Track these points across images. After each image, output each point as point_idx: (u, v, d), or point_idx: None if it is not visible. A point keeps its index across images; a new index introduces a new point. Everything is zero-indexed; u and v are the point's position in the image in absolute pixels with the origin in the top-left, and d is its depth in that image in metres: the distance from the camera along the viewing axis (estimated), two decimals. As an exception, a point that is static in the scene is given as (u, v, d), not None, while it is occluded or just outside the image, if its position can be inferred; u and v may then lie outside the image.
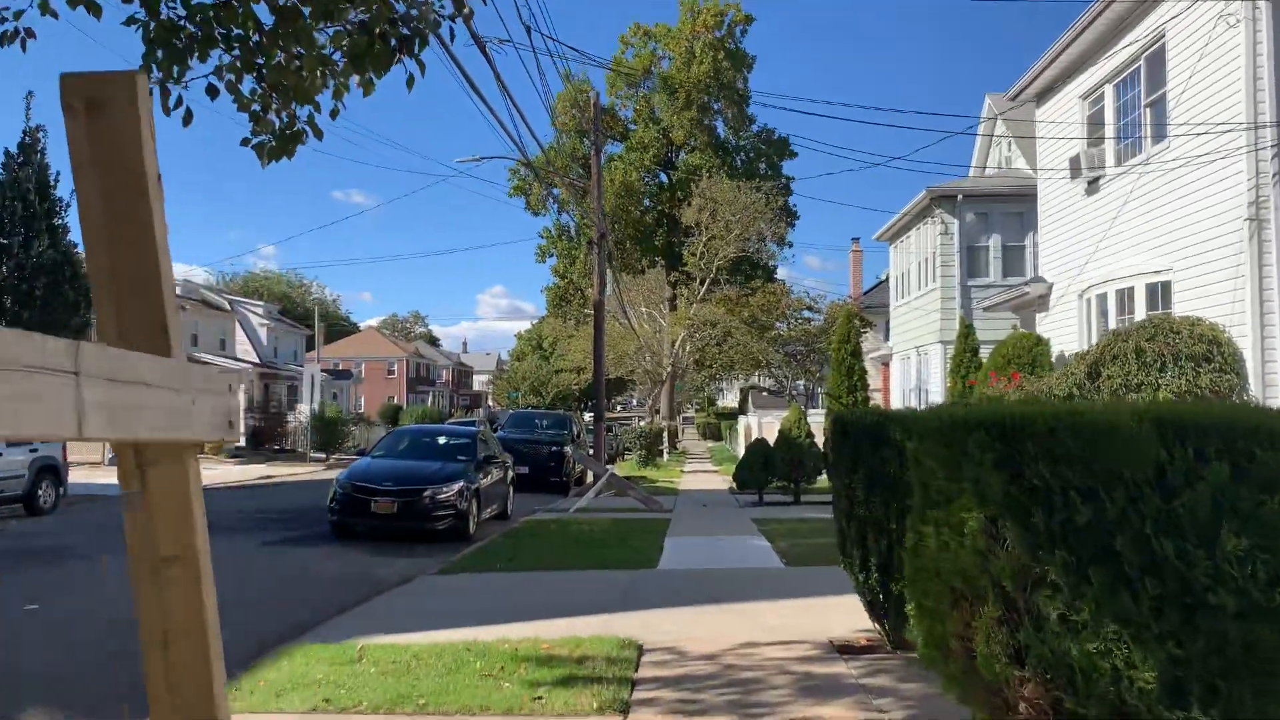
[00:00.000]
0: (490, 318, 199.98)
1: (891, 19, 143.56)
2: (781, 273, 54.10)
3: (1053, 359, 15.21)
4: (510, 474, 17.42)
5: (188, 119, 4.87)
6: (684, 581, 9.79)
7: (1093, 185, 14.57)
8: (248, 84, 4.96)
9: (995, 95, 27.32)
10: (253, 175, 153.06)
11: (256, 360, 55.01)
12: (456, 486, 13.95)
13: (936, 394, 24.15)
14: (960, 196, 23.53)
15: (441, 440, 16.16)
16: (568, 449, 23.92)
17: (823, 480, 19.74)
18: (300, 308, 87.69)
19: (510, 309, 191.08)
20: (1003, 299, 18.24)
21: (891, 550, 6.26)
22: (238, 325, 56.08)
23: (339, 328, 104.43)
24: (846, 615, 7.74)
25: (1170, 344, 10.51)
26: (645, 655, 6.64)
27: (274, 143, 5.02)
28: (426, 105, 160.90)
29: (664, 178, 54.69)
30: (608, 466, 24.08)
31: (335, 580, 10.51)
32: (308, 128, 5.00)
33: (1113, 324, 13.49)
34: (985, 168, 28.30)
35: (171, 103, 4.82)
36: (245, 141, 5.02)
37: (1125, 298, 13.29)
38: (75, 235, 22.32)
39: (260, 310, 60.95)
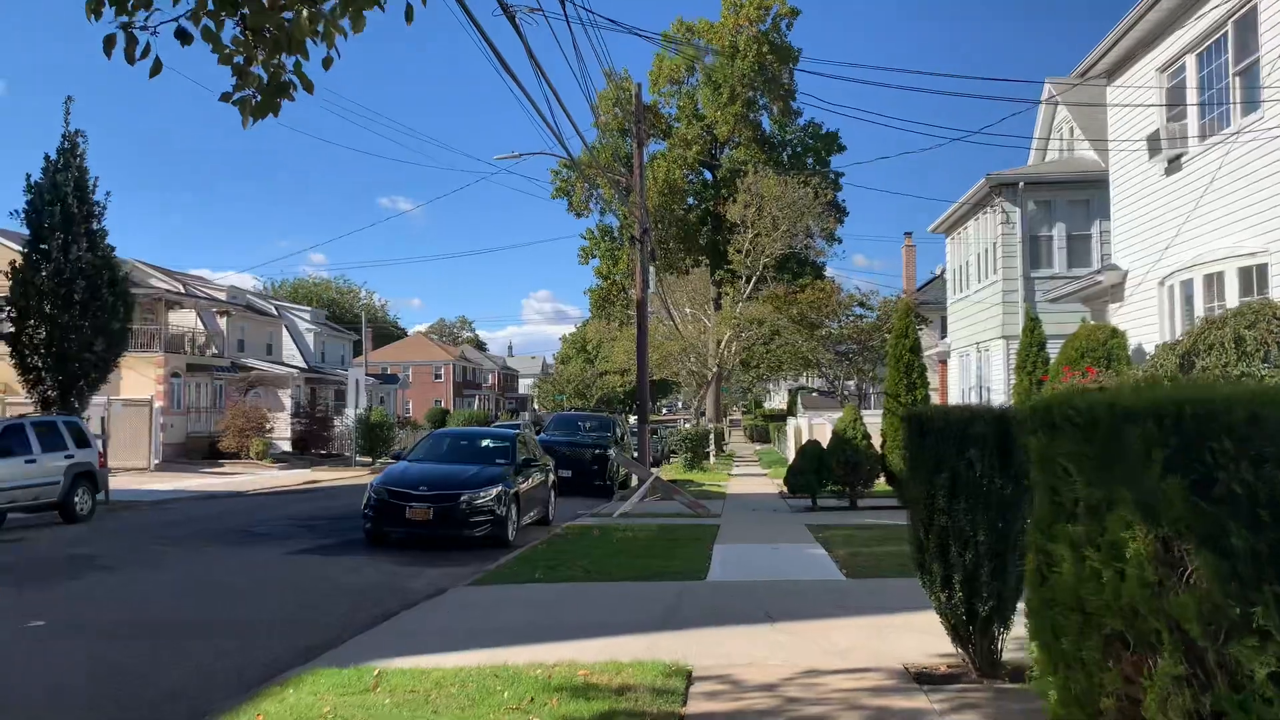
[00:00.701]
0: (536, 322, 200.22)
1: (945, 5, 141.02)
2: (830, 270, 52.88)
3: (1129, 352, 14.13)
4: (552, 478, 16.72)
5: (156, 69, 4.19)
6: (736, 595, 8.97)
7: (1173, 163, 13.48)
8: (228, 31, 4.27)
9: (1056, 79, 26.09)
10: (299, 183, 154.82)
11: (304, 365, 55.11)
12: (494, 491, 13.26)
13: (999, 392, 23.02)
14: (1022, 184, 22.38)
15: (480, 443, 15.50)
16: (611, 451, 23.19)
17: (880, 484, 18.80)
18: (349, 313, 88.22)
19: (555, 313, 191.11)
20: (1071, 290, 17.15)
21: (979, 566, 5.42)
22: (285, 331, 56.25)
23: (386, 333, 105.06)
24: (921, 637, 6.89)
25: (1274, 330, 9.46)
26: (694, 685, 5.84)
27: (259, 98, 4.33)
28: (468, 103, 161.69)
29: (708, 175, 53.84)
30: (652, 469, 23.32)
31: (362, 593, 9.86)
32: (295, 78, 4.30)
33: (1199, 312, 12.41)
34: (1045, 155, 27.03)
35: (138, 52, 4.14)
36: (226, 96, 4.34)
37: (1214, 283, 12.20)
38: (114, 239, 22.10)
39: (307, 316, 61.13)
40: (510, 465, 14.37)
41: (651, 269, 23.24)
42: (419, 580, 10.71)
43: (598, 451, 23.24)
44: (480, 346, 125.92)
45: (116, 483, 27.70)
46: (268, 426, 40.18)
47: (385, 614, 8.50)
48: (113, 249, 22.10)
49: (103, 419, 25.66)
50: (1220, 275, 12.04)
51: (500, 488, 13.38)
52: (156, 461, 35.21)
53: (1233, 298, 11.61)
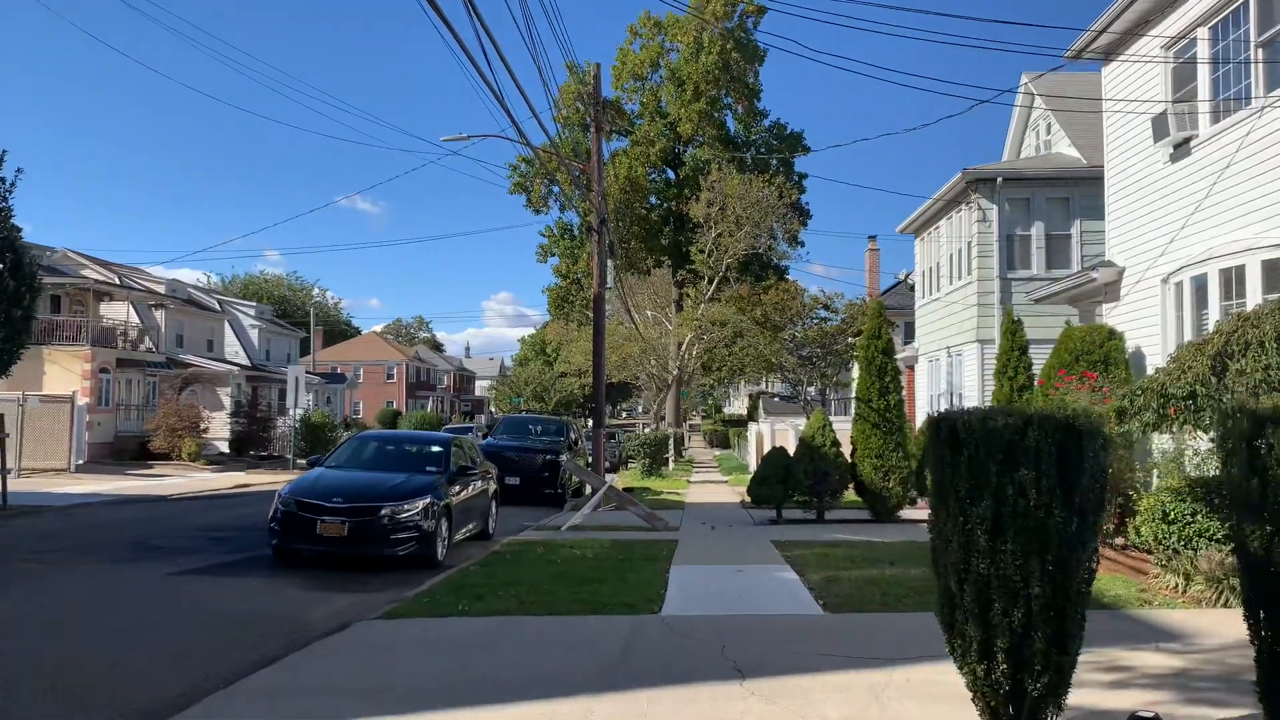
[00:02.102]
0: (496, 324, 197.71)
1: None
2: (793, 274, 51.71)
3: (1127, 355, 12.88)
4: (493, 487, 15.11)
5: None
6: (696, 637, 7.45)
7: (1181, 149, 12.24)
8: None
9: (1033, 74, 25.02)
10: (250, 172, 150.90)
11: (246, 363, 52.82)
12: (421, 504, 11.62)
13: (972, 399, 21.80)
14: (1000, 179, 21.19)
15: (409, 448, 13.82)
16: (564, 457, 21.59)
17: (849, 495, 17.42)
18: (301, 311, 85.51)
19: (516, 316, 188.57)
20: (1059, 289, 15.90)
21: (1030, 629, 3.94)
22: (227, 327, 53.89)
23: (340, 332, 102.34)
24: (931, 707, 5.41)
25: (1320, 329, 8.17)
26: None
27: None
28: (426, 95, 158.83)
29: (671, 174, 52.49)
30: (607, 477, 21.77)
31: (244, 627, 8.19)
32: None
33: (1215, 310, 11.15)
34: (1020, 154, 25.94)
35: None
36: None
37: (1232, 278, 10.93)
38: (21, 218, 20.07)
39: (251, 311, 58.75)
40: (442, 473, 12.74)
41: (611, 264, 21.70)
42: (321, 610, 9.07)
43: (549, 457, 21.62)
44: (437, 347, 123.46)
45: (28, 485, 25.57)
46: (203, 426, 38.00)
47: (263, 659, 6.86)
48: (19, 230, 20.10)
49: (1, 415, 23.49)
50: (1240, 270, 10.77)
51: (428, 499, 11.74)
52: (80, 462, 32.94)
53: (1255, 294, 10.34)
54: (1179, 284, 12.11)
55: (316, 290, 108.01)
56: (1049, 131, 24.18)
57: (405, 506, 11.50)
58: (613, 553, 12.56)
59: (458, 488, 13.02)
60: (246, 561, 12.04)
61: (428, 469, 12.84)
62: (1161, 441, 11.43)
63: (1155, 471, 11.38)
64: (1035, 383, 17.05)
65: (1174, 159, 12.37)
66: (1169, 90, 12.58)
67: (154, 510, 19.78)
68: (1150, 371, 12.86)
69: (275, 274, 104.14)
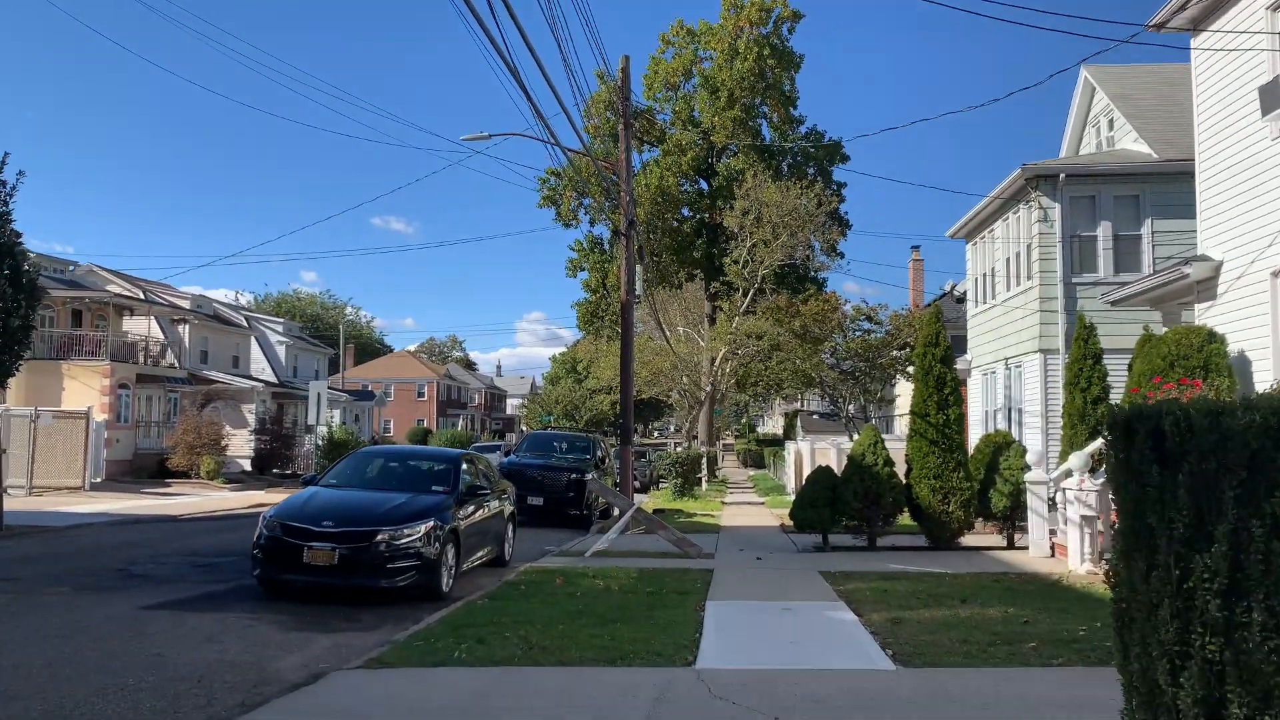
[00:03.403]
0: (529, 344, 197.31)
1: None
2: (831, 286, 50.04)
3: (1229, 360, 11.23)
4: (509, 508, 13.69)
5: None
6: (740, 702, 5.95)
7: (1295, 121, 10.63)
8: None
9: (1095, 65, 23.37)
10: (275, 190, 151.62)
11: (273, 379, 52.03)
12: (423, 528, 10.23)
13: (1034, 414, 20.10)
14: (1063, 176, 19.56)
15: (415, 465, 12.44)
16: (589, 476, 20.13)
17: (904, 519, 15.79)
18: (334, 330, 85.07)
19: (549, 336, 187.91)
20: (1141, 289, 14.25)
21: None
22: (254, 343, 53.16)
23: (372, 350, 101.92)
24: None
25: None
26: None
27: None
28: (467, 110, 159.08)
29: (704, 185, 51.12)
30: (636, 498, 20.32)
31: (197, 680, 6.80)
32: None
33: (1347, 306, 9.51)
34: (1079, 152, 24.25)
35: None
36: None
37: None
38: (22, 224, 19.02)
39: (280, 328, 58.05)
40: (450, 493, 11.35)
41: (639, 269, 20.30)
42: (295, 656, 7.67)
43: (574, 476, 20.18)
44: (470, 366, 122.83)
45: (35, 503, 24.59)
46: (223, 443, 36.98)
47: (201, 728, 5.47)
48: (18, 236, 19.10)
49: None
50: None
51: (432, 522, 10.35)
52: (97, 480, 32.03)
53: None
54: (1297, 277, 10.48)
55: (350, 308, 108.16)
56: (1111, 127, 22.49)
57: (405, 531, 10.12)
58: (640, 584, 11.08)
59: (468, 509, 11.63)
60: (231, 593, 10.70)
61: (434, 488, 11.45)
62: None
63: None
64: (1108, 394, 15.42)
65: (1285, 134, 10.75)
66: (1277, 57, 10.98)
67: (155, 532, 18.59)
68: (1259, 379, 11.21)
69: (309, 293, 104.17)
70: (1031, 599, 9.86)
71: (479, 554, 12.24)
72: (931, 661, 7.08)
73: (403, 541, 10.06)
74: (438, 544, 10.33)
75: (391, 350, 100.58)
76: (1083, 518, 11.84)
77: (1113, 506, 11.65)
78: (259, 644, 8.10)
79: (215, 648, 7.89)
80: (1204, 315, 12.52)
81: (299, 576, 10.02)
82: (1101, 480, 12.12)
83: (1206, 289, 12.52)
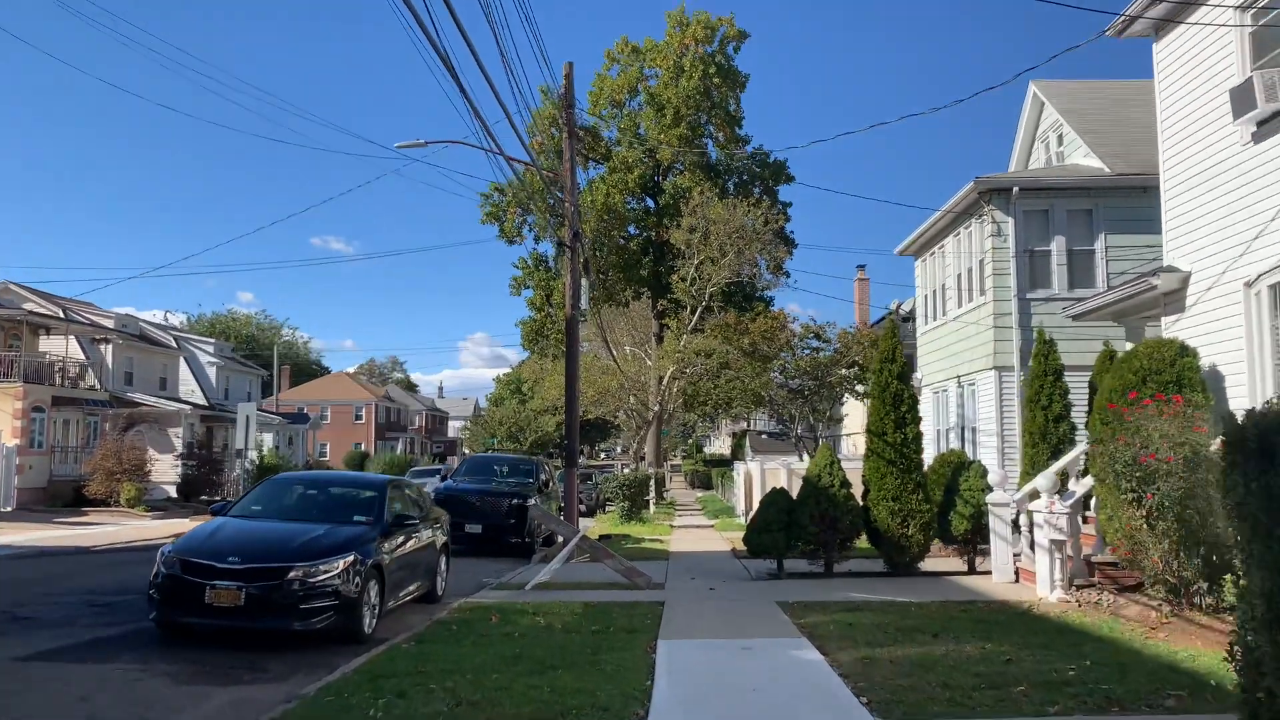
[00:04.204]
0: (473, 365, 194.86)
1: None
2: (777, 306, 49.71)
3: (1202, 373, 10.71)
4: (442, 538, 12.66)
5: None
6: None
7: (1269, 125, 10.18)
8: None
9: (1042, 82, 23.22)
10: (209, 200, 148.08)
11: (203, 402, 50.04)
12: (342, 563, 9.20)
13: (989, 433, 19.62)
14: (1016, 189, 19.20)
15: (337, 492, 11.37)
16: (532, 501, 19.13)
17: (861, 542, 15.07)
18: (270, 351, 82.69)
19: (493, 357, 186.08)
20: (1103, 302, 13.77)
21: None
22: (183, 363, 51.11)
23: (309, 371, 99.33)
24: None
25: None
26: None
27: None
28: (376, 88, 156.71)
29: (650, 202, 50.56)
30: (582, 524, 19.37)
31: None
32: None
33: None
34: (1027, 169, 24.04)
35: None
36: None
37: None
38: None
39: (210, 348, 56.02)
40: (374, 524, 10.32)
41: (585, 283, 19.44)
42: (182, 718, 6.61)
43: (515, 502, 19.15)
44: (411, 388, 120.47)
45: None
46: (147, 468, 35.15)
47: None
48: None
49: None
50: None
51: (352, 557, 9.32)
52: (6, 509, 30.18)
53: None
54: (1273, 287, 9.99)
55: (286, 329, 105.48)
56: (1061, 143, 22.29)
57: (322, 567, 9.07)
58: (585, 621, 10.16)
59: (395, 541, 10.61)
60: (123, 639, 9.52)
61: (356, 519, 10.41)
62: None
63: None
64: (1070, 411, 14.92)
65: (1259, 137, 10.31)
66: (1246, 59, 10.55)
67: (58, 566, 17.15)
68: (1233, 394, 10.71)
69: (245, 313, 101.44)
70: (1007, 632, 9.14)
71: (408, 589, 11.22)
72: (913, 711, 6.28)
73: (319, 579, 9.01)
74: (359, 580, 9.30)
75: (329, 372, 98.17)
76: (1053, 542, 11.20)
77: (1081, 529, 10.89)
78: (141, 703, 7.01)
79: (83, 709, 6.79)
80: (1171, 329, 12.04)
81: (201, 619, 8.91)
82: (1071, 501, 11.53)
83: (1174, 301, 12.04)
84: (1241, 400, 10.46)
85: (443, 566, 12.57)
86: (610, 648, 8.63)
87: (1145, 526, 9.42)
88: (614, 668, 7.79)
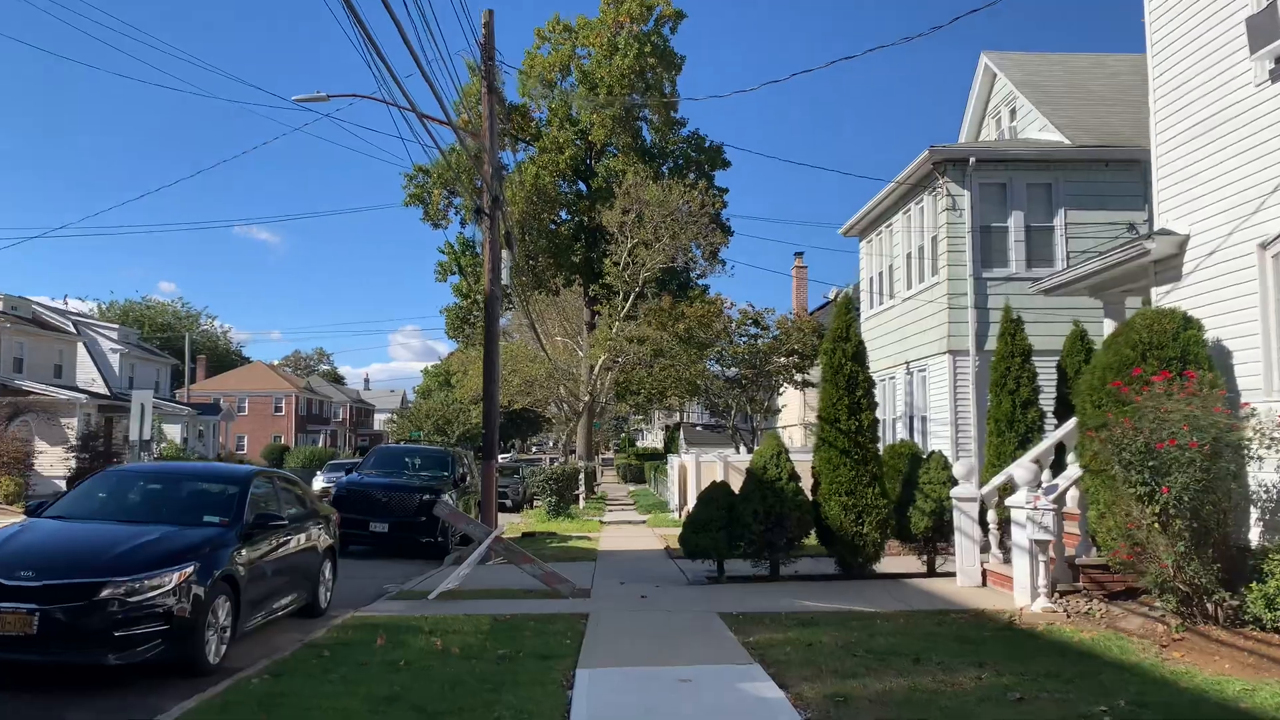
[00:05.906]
0: (403, 358, 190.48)
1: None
2: (713, 294, 48.26)
3: (1207, 347, 9.32)
4: (326, 540, 10.71)
5: None
6: None
7: (1288, 62, 8.80)
8: None
9: (994, 53, 22.00)
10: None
11: (104, 391, 46.71)
12: (176, 576, 7.23)
13: (941, 422, 18.27)
14: (973, 160, 17.86)
15: (186, 487, 9.32)
16: (444, 497, 17.19)
17: (810, 541, 13.49)
18: (186, 340, 78.73)
19: (424, 350, 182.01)
20: (1086, 272, 12.33)
21: None
22: (82, 350, 47.76)
23: (229, 362, 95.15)
24: None
25: None
26: None
27: None
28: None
29: (582, 187, 48.67)
30: (502, 521, 17.48)
31: None
32: None
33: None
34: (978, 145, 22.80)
35: None
36: None
37: None
38: None
39: (114, 335, 52.59)
40: (231, 525, 8.35)
41: (506, 254, 17.54)
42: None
43: (426, 498, 17.17)
44: (337, 380, 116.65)
45: None
46: (31, 461, 32.23)
47: None
48: None
49: None
50: None
51: (191, 567, 7.35)
52: (29, 493, 27.18)
53: None
54: (1292, 248, 8.61)
55: (205, 318, 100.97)
56: (1014, 117, 21.07)
57: (146, 582, 7.09)
58: (490, 642, 8.35)
59: (260, 546, 8.65)
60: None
61: (207, 519, 8.42)
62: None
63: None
64: (1038, 396, 13.57)
65: (1277, 76, 8.92)
66: (1260, -12, 9.16)
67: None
68: (1241, 371, 9.34)
69: (160, 301, 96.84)
70: (998, 653, 7.59)
71: (280, 602, 9.26)
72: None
73: (143, 596, 7.03)
74: (199, 597, 7.34)
75: (247, 361, 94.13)
76: (1036, 543, 9.73)
77: (1064, 529, 9.32)
78: None
79: None
80: (1163, 300, 10.67)
81: (-12, 652, 6.87)
82: (1055, 496, 10.08)
83: (1166, 269, 10.67)
84: (1253, 380, 9.10)
85: (327, 574, 10.62)
86: (516, 681, 6.85)
87: (1156, 525, 7.97)
88: (517, 709, 6.02)
